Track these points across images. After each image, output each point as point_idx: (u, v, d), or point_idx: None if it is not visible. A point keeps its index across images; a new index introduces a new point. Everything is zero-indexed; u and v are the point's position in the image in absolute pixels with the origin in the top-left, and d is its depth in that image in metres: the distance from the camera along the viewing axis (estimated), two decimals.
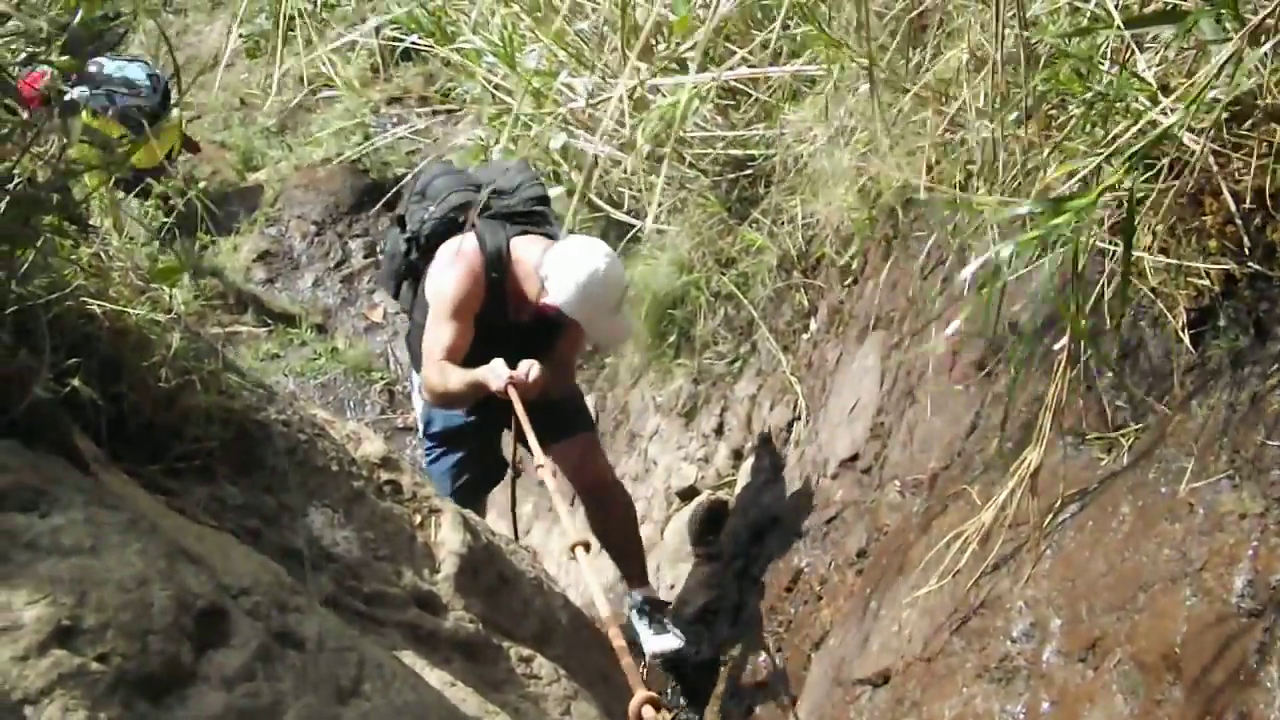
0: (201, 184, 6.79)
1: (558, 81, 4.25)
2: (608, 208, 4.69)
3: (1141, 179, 1.80)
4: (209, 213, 6.58)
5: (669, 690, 3.56)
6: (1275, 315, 1.77)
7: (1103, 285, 1.99)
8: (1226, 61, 1.58)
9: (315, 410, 2.31)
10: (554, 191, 4.29)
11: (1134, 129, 1.74)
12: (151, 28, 7.59)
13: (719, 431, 4.29)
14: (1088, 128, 1.99)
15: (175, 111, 6.81)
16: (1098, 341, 2.00)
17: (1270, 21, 1.58)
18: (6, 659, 1.12)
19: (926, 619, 2.21)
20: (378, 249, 7.01)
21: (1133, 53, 1.90)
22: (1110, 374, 2.05)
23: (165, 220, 6.02)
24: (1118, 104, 1.90)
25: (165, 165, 6.44)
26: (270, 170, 7.81)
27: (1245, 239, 1.78)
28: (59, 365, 1.48)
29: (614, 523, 3.63)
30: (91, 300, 1.60)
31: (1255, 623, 1.54)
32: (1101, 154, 1.73)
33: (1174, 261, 1.89)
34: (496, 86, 4.82)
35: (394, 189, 6.63)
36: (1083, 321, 1.90)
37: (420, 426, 3.80)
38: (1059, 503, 2.03)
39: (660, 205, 4.04)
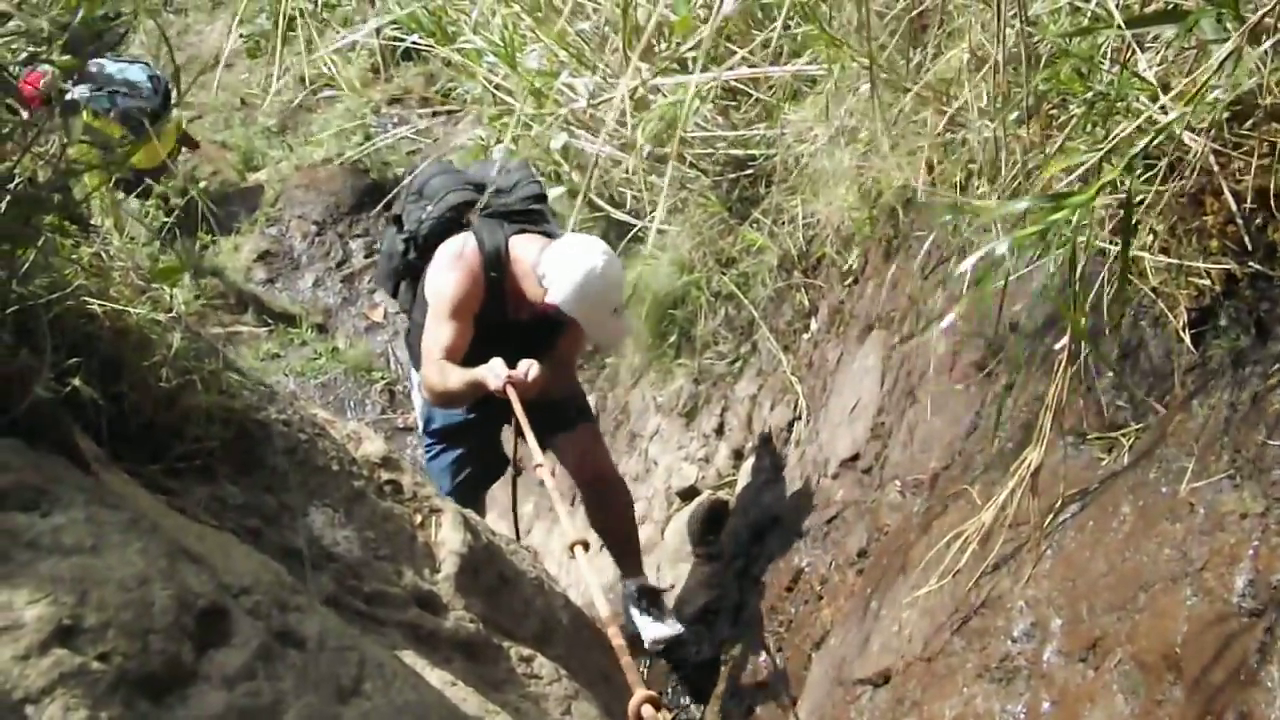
0: (202, 184, 6.81)
1: (558, 82, 4.25)
2: (608, 208, 4.69)
3: (1142, 178, 1.80)
4: (210, 213, 6.59)
5: (669, 690, 3.56)
6: (1276, 315, 1.77)
7: (1103, 285, 1.99)
8: (1226, 59, 1.58)
9: (316, 410, 2.31)
10: (555, 192, 4.30)
11: (1134, 127, 1.74)
12: (152, 28, 7.59)
13: (719, 431, 4.29)
14: (1089, 127, 1.99)
15: (175, 113, 6.82)
16: (1098, 341, 1.99)
17: (1270, 20, 1.58)
18: (8, 658, 1.12)
19: (927, 619, 2.21)
20: (376, 248, 7.02)
21: (1134, 52, 1.90)
22: (1111, 374, 2.05)
23: (166, 220, 6.03)
24: (1119, 104, 1.90)
25: (167, 164, 6.45)
26: (271, 170, 7.81)
27: (1246, 239, 1.78)
28: (60, 365, 1.48)
29: (613, 517, 3.64)
30: (92, 300, 1.60)
31: (1256, 622, 1.54)
32: (1101, 149, 1.73)
33: (1175, 261, 1.89)
34: (497, 87, 4.82)
35: (395, 189, 6.63)
36: (1083, 321, 1.90)
37: (420, 424, 3.81)
38: (1059, 502, 2.03)
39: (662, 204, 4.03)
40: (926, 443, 2.71)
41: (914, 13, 2.87)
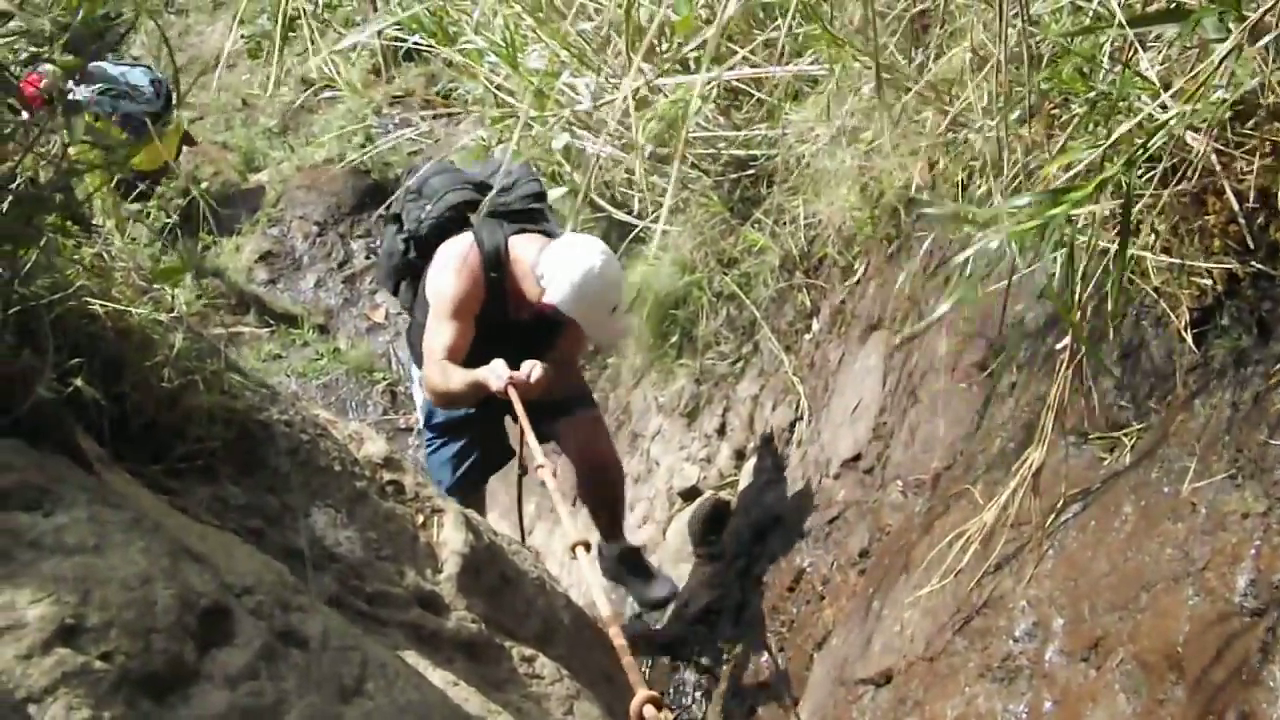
0: (204, 185, 6.82)
1: (560, 82, 4.25)
2: (610, 208, 4.69)
3: (1144, 178, 1.80)
4: (211, 213, 6.60)
5: (671, 690, 3.56)
6: (1278, 315, 1.77)
7: (1104, 285, 1.99)
8: (1226, 56, 1.58)
9: (318, 410, 2.31)
10: (556, 192, 4.29)
11: (1135, 125, 1.74)
12: (152, 28, 7.60)
13: (721, 432, 4.29)
14: (1091, 127, 1.99)
15: (176, 114, 6.83)
16: (1096, 345, 1.99)
17: (1270, 19, 1.58)
18: (10, 657, 1.12)
19: (929, 619, 2.21)
20: (377, 249, 7.02)
21: (1136, 52, 1.89)
22: (1112, 373, 2.05)
23: (168, 221, 6.04)
24: (1121, 103, 1.90)
25: (169, 166, 6.46)
26: (272, 171, 7.82)
27: (1248, 238, 1.78)
28: (62, 365, 1.48)
29: (606, 490, 3.71)
30: (94, 300, 1.60)
31: (1258, 622, 1.54)
32: (1101, 145, 1.73)
33: (1176, 261, 1.89)
34: (499, 87, 4.82)
35: (396, 190, 6.64)
36: (1082, 321, 1.89)
37: (421, 419, 3.82)
38: (1061, 502, 2.02)
39: (662, 205, 4.03)
40: (928, 443, 2.71)
41: (915, 12, 2.87)
